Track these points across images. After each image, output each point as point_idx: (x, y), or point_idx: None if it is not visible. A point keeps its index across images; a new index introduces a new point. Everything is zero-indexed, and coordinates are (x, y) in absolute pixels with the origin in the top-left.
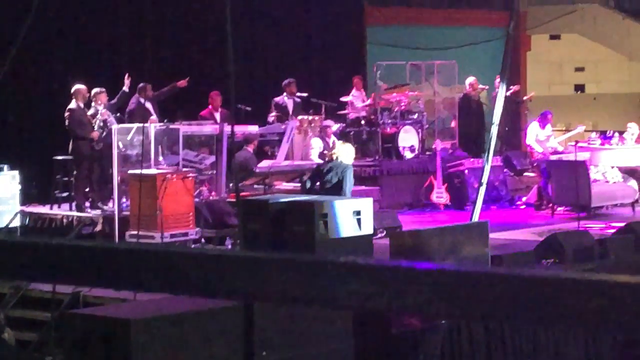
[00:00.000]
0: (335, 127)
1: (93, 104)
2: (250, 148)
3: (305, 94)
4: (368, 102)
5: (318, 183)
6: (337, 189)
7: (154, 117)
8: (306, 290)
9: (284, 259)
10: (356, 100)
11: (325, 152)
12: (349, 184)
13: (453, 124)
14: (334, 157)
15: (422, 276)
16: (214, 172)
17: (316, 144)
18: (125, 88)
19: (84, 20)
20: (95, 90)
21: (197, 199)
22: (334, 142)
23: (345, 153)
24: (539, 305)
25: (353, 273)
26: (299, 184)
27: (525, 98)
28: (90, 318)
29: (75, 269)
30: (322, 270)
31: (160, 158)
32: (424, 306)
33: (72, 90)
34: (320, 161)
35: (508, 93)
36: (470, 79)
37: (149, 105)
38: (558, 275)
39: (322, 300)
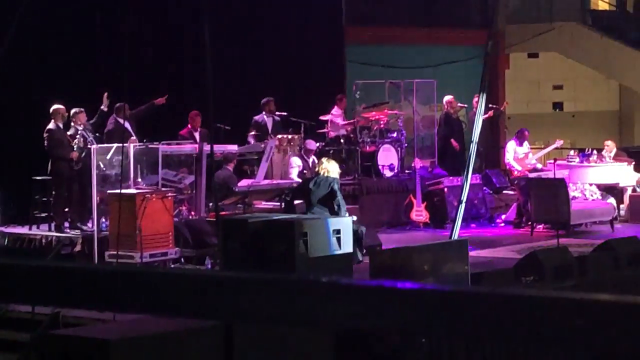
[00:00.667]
0: (315, 145)
1: (72, 124)
2: (230, 167)
3: (284, 113)
4: (349, 120)
5: (302, 200)
6: (327, 202)
7: (133, 137)
8: (288, 310)
9: (265, 279)
10: (336, 118)
11: (305, 171)
12: (340, 194)
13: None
14: (321, 172)
15: (404, 296)
16: (194, 191)
17: (296, 163)
18: (104, 107)
19: (62, 40)
20: (74, 110)
21: (176, 219)
22: (318, 160)
23: (332, 168)
24: (520, 324)
25: (335, 293)
26: (278, 203)
27: (501, 108)
28: (69, 339)
29: (54, 290)
30: (304, 291)
31: (139, 178)
32: (406, 326)
33: (51, 111)
34: (299, 180)
35: (487, 115)
36: (447, 97)
37: (127, 125)
38: (538, 295)
39: (304, 320)
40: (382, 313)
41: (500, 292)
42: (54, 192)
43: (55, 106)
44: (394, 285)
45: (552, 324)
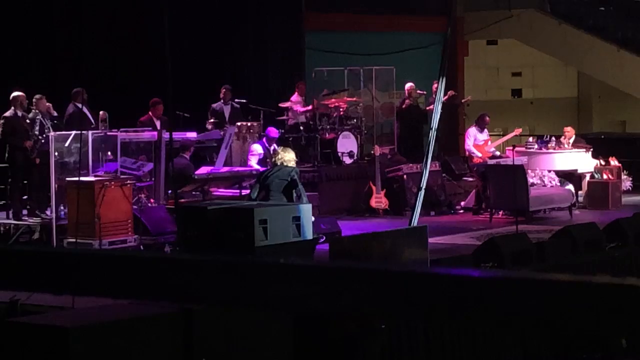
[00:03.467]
0: (277, 133)
1: (33, 110)
2: (187, 155)
3: (243, 100)
4: (309, 107)
5: (263, 192)
6: (287, 191)
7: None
8: (245, 292)
9: (222, 261)
10: (295, 105)
11: (268, 159)
12: (300, 183)
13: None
14: (278, 162)
15: (360, 277)
16: (153, 179)
17: (257, 151)
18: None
19: (21, 27)
20: (36, 96)
21: (135, 206)
22: (274, 149)
23: (288, 157)
24: (477, 305)
25: (291, 274)
26: (237, 191)
27: (463, 101)
28: (27, 327)
29: (12, 273)
30: (261, 272)
31: (98, 165)
32: (362, 306)
33: (10, 98)
34: (259, 167)
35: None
36: (407, 85)
37: (85, 110)
38: (496, 275)
39: (261, 302)
40: (339, 294)
41: (456, 273)
42: (10, 180)
43: (15, 93)
44: (350, 267)
45: (508, 305)
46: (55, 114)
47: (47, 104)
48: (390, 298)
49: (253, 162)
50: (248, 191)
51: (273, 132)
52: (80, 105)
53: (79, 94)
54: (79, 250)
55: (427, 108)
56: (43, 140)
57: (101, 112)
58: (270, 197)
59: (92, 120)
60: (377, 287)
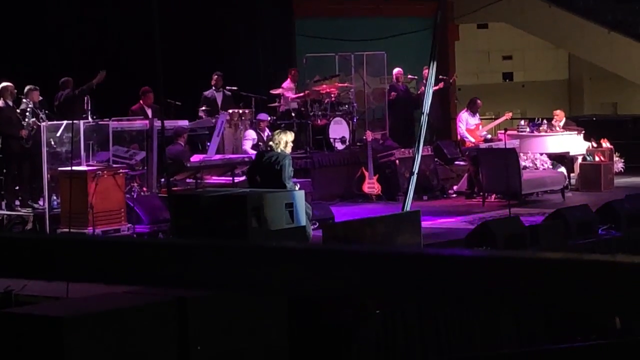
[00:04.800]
0: (266, 117)
1: (24, 100)
2: (182, 141)
3: (235, 88)
4: (300, 94)
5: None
6: (278, 178)
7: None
8: (238, 276)
9: (215, 245)
10: (287, 92)
11: (260, 143)
12: (288, 171)
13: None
14: (274, 147)
15: (353, 259)
16: (145, 167)
17: (251, 136)
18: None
19: (10, 18)
20: (27, 87)
21: (128, 195)
22: (272, 132)
23: (285, 141)
24: (470, 285)
25: (284, 258)
26: (230, 178)
27: (450, 81)
28: (22, 317)
29: (4, 261)
30: (253, 256)
31: (90, 154)
32: (356, 289)
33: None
34: (254, 152)
35: (437, 87)
36: (396, 70)
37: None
38: (486, 255)
39: (254, 285)
40: (332, 277)
41: (449, 253)
42: (4, 170)
43: (4, 84)
44: (343, 250)
45: (499, 284)
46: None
47: (39, 96)
48: (382, 280)
49: (247, 147)
50: (241, 178)
51: (262, 116)
52: (70, 93)
53: (69, 83)
54: (71, 236)
55: (419, 92)
56: (35, 131)
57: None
58: (268, 180)
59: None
60: (369, 269)
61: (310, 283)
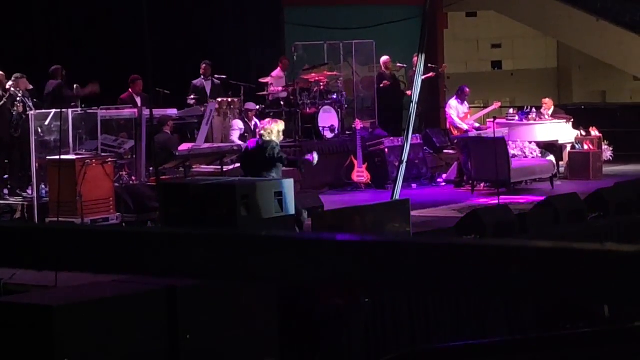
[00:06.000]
0: (255, 106)
1: (12, 89)
2: (167, 129)
3: (223, 76)
4: (288, 84)
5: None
6: (269, 167)
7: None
8: (227, 264)
9: (205, 234)
10: (276, 81)
11: (247, 134)
12: (279, 154)
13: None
14: (265, 136)
15: (343, 247)
16: (134, 156)
17: (238, 126)
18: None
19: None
20: (15, 75)
21: (117, 184)
22: (260, 121)
23: (277, 131)
24: (460, 273)
25: (274, 246)
26: (219, 167)
27: (440, 70)
28: (11, 306)
29: None
30: (243, 244)
31: (78, 144)
32: (345, 277)
33: None
34: (241, 143)
35: (427, 76)
36: (383, 58)
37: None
38: (477, 243)
39: (244, 274)
40: (322, 265)
41: (439, 242)
42: None
43: None
44: (333, 237)
45: (489, 272)
46: (31, 86)
47: (28, 84)
48: (372, 268)
49: (235, 137)
50: (229, 167)
51: (250, 105)
52: (61, 82)
53: (59, 71)
54: (60, 225)
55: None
56: (23, 119)
57: (75, 86)
58: (257, 169)
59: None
60: (360, 259)
61: (299, 271)
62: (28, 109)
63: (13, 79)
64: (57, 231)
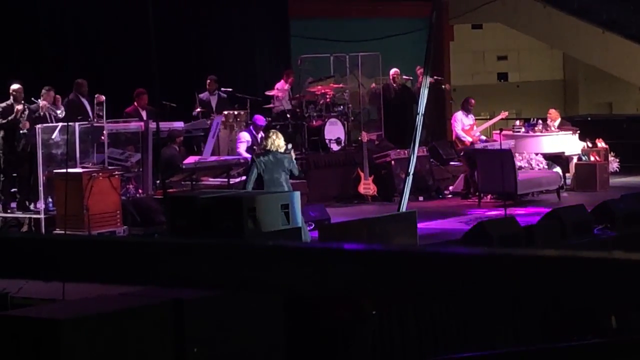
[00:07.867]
0: (264, 121)
1: (42, 101)
2: (176, 145)
3: (230, 89)
4: (295, 96)
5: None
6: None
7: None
8: (235, 275)
9: (212, 244)
10: (282, 93)
11: (255, 147)
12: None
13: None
14: (272, 148)
15: (350, 257)
16: (140, 169)
17: (245, 138)
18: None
19: (6, 20)
20: (46, 88)
21: (123, 197)
22: (265, 134)
23: (282, 142)
24: (466, 282)
25: (281, 256)
26: (225, 180)
27: (443, 87)
28: (18, 320)
29: (2, 261)
30: (250, 255)
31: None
32: (353, 287)
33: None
34: (248, 155)
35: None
36: (392, 71)
37: (86, 103)
38: (483, 253)
39: (251, 284)
40: (330, 275)
41: (446, 251)
42: (1, 174)
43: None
44: (341, 247)
45: (496, 281)
46: (62, 108)
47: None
48: (378, 278)
49: (242, 150)
50: (236, 180)
51: (260, 120)
52: (80, 97)
53: (82, 85)
54: (67, 236)
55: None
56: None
57: (97, 95)
58: (269, 185)
59: (90, 113)
60: (367, 269)
61: (307, 282)
62: (51, 121)
63: (42, 92)
64: (65, 242)
